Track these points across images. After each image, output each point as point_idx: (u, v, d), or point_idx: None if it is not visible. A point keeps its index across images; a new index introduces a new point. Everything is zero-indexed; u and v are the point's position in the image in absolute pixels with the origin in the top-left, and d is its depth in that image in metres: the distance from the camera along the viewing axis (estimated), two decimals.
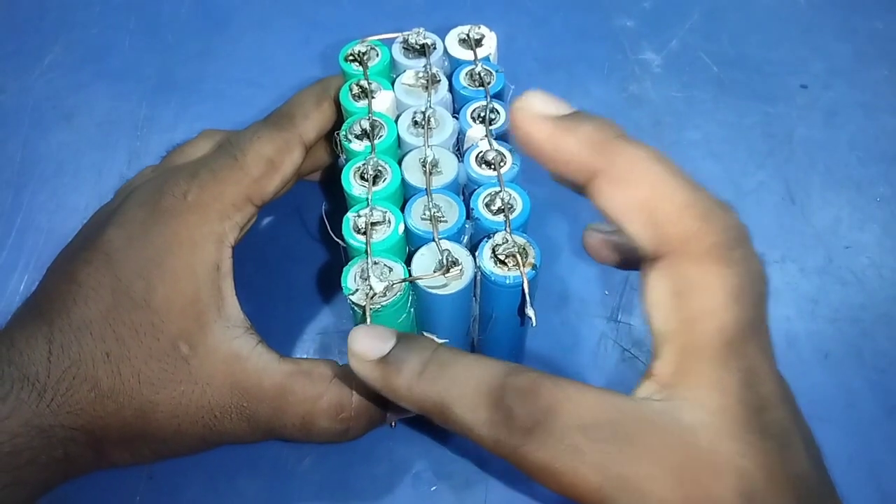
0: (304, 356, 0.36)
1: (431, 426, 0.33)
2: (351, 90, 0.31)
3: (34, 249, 0.38)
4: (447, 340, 0.29)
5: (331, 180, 0.40)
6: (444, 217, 0.28)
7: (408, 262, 0.27)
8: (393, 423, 0.33)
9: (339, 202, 0.30)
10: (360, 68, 0.32)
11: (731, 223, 0.22)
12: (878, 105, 0.44)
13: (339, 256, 0.29)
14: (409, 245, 0.29)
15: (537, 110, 0.24)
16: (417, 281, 0.26)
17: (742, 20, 0.49)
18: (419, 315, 0.29)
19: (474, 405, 0.22)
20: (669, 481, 0.21)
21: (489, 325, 0.29)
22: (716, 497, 0.21)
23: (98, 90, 0.45)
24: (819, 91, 0.45)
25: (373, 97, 0.31)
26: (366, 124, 0.30)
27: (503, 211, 0.28)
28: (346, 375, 0.28)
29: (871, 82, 0.45)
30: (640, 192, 0.22)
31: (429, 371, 0.23)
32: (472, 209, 0.28)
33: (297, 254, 0.38)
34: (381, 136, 0.30)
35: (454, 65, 0.33)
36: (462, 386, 0.23)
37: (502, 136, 0.30)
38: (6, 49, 0.46)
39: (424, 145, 0.29)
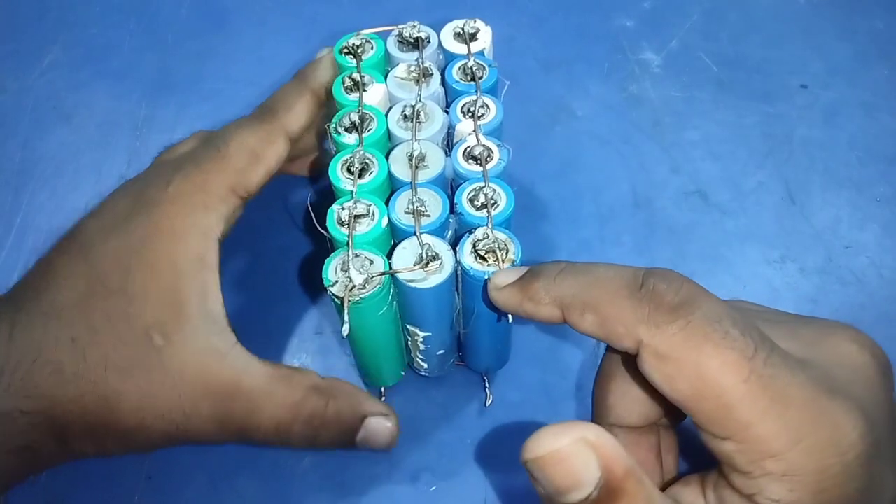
0: (303, 355, 0.36)
1: (430, 427, 0.33)
2: (343, 83, 0.31)
3: (34, 249, 0.38)
4: (430, 334, 0.29)
5: (320, 174, 0.40)
6: (427, 211, 0.28)
7: (391, 255, 0.27)
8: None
9: (328, 195, 0.30)
10: (354, 61, 0.32)
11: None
12: (878, 105, 0.44)
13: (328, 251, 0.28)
14: (395, 238, 0.29)
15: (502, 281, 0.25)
16: (397, 274, 0.26)
17: (742, 20, 0.49)
18: (402, 308, 0.29)
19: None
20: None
21: (471, 319, 0.29)
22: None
23: (98, 90, 0.45)
24: (819, 91, 0.45)
25: (365, 90, 0.31)
26: (355, 117, 0.30)
27: (486, 206, 0.28)
28: (324, 387, 0.28)
29: (871, 82, 0.45)
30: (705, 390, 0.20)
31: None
32: (456, 204, 0.28)
33: (287, 249, 0.38)
34: (370, 129, 0.30)
35: (448, 59, 0.33)
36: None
37: (493, 132, 0.30)
38: (6, 49, 0.46)
39: (412, 139, 0.29)
